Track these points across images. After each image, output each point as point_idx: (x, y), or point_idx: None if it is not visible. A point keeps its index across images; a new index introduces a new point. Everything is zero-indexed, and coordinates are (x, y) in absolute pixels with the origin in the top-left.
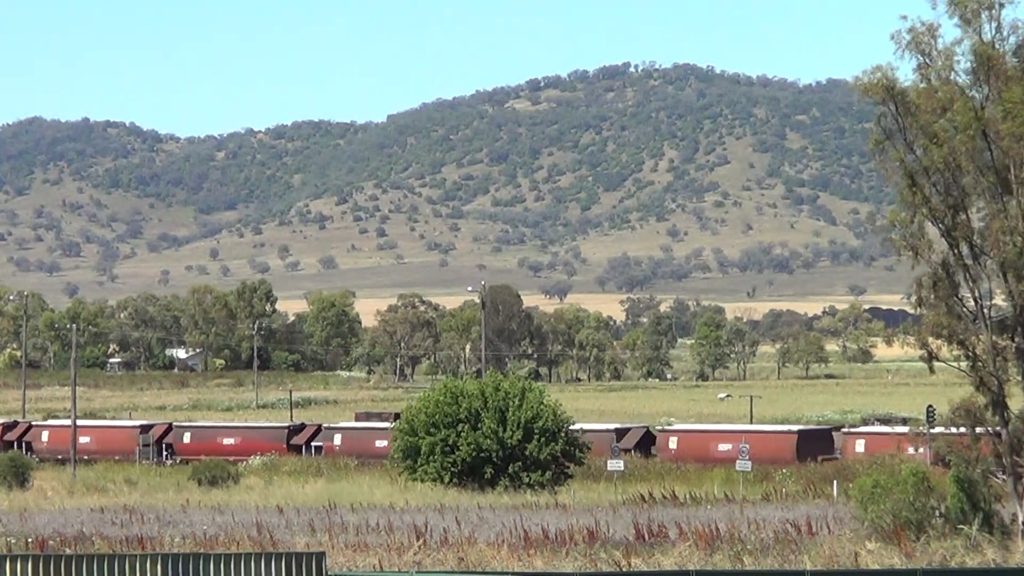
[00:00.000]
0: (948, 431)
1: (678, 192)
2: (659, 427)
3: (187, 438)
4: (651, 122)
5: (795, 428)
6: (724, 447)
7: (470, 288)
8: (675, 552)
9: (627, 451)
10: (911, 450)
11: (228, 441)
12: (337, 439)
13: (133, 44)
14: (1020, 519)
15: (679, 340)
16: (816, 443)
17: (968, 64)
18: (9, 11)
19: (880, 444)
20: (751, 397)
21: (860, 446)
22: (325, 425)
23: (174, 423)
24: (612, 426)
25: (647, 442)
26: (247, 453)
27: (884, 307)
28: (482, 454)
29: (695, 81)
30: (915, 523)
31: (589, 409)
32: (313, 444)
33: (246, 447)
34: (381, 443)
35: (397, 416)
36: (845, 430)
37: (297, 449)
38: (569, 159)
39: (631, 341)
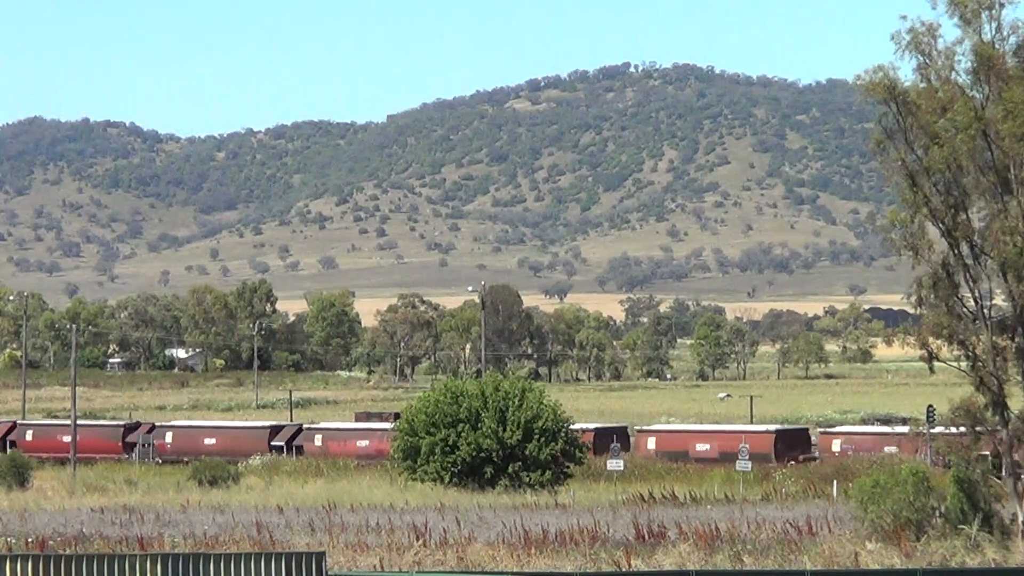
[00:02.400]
0: (948, 431)
1: (678, 192)
2: (638, 427)
3: (169, 438)
4: (651, 122)
5: (773, 428)
6: (702, 447)
7: (470, 288)
8: (675, 552)
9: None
10: (887, 449)
11: (209, 441)
12: (318, 439)
13: (133, 44)
14: (1020, 519)
15: (679, 340)
16: (794, 442)
17: (968, 64)
18: (9, 11)
19: (855, 443)
20: (751, 397)
21: (836, 445)
22: (305, 425)
23: (156, 423)
24: (591, 426)
25: (623, 442)
26: (228, 454)
27: (884, 307)
28: (482, 454)
29: (695, 81)
30: (915, 523)
31: (589, 409)
32: (294, 444)
33: (226, 447)
34: (363, 443)
35: (397, 416)
36: (822, 429)
37: (278, 449)
38: (569, 159)
39: (631, 341)
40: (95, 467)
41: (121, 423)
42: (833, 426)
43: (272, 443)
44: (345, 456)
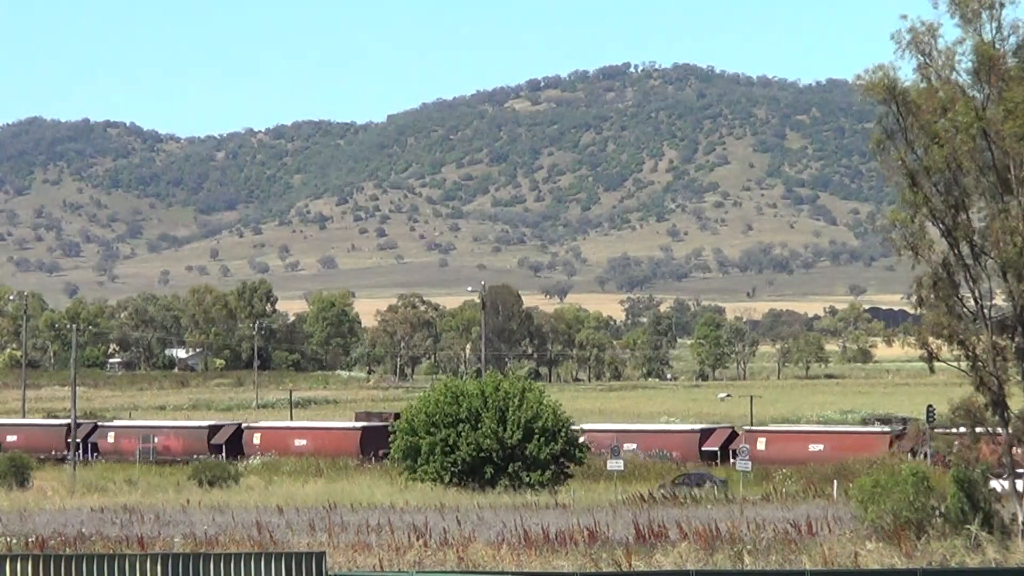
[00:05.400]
0: (948, 431)
1: (678, 192)
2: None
3: (111, 437)
4: (651, 122)
5: (697, 427)
6: (629, 446)
7: (470, 288)
8: (675, 552)
9: None
10: (811, 447)
11: (154, 440)
12: (257, 439)
13: (133, 44)
14: (1020, 519)
15: (679, 340)
16: (726, 442)
17: (969, 64)
18: (9, 11)
19: (782, 441)
20: (751, 397)
21: (761, 444)
22: (244, 425)
23: (98, 423)
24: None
25: None
26: (171, 452)
27: (884, 307)
28: (482, 454)
29: (695, 81)
30: (915, 523)
31: (589, 409)
32: (236, 443)
33: (169, 446)
34: (300, 442)
35: (397, 416)
36: (747, 428)
37: (217, 449)
38: (569, 159)
39: (631, 341)
40: (95, 467)
41: (65, 422)
42: (765, 425)
43: (211, 442)
44: (284, 454)
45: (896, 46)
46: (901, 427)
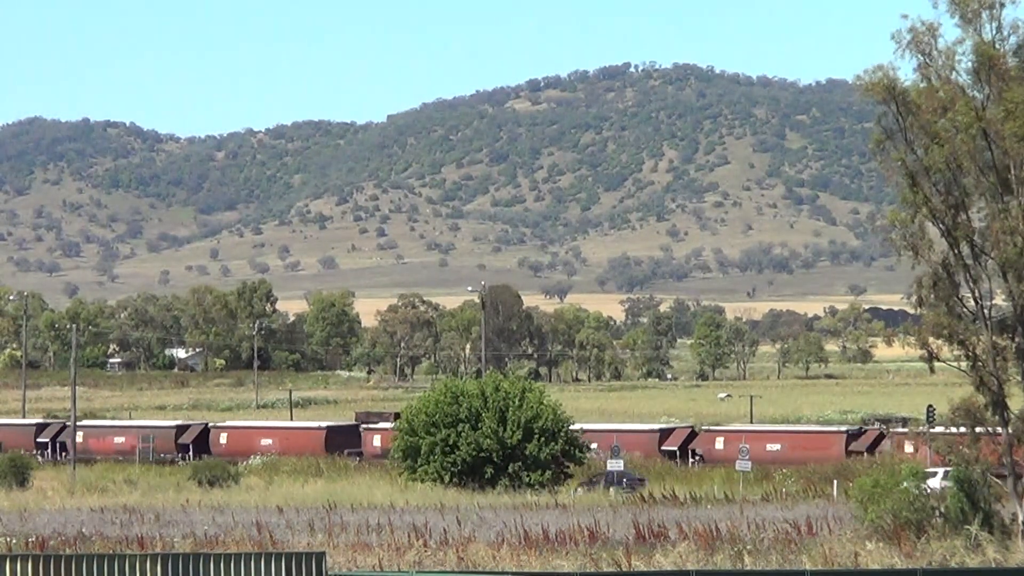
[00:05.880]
0: (948, 431)
1: (678, 192)
2: None
3: (80, 436)
4: (651, 122)
5: (656, 427)
6: (592, 446)
7: (470, 288)
8: (675, 552)
9: None
10: (769, 447)
11: (119, 440)
12: (223, 438)
13: (133, 44)
14: (1020, 519)
15: (679, 340)
16: (680, 441)
17: (969, 64)
18: (9, 11)
19: (738, 441)
20: (751, 397)
21: (720, 444)
22: (211, 425)
23: (66, 423)
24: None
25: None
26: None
27: (884, 307)
28: (482, 454)
29: (695, 81)
30: (915, 523)
31: (589, 409)
32: (203, 443)
33: (135, 446)
34: (266, 441)
35: (397, 416)
36: (705, 427)
37: (184, 448)
38: (569, 159)
39: (631, 341)
40: (95, 467)
41: (35, 422)
42: (721, 424)
43: (178, 442)
44: (251, 454)
45: (896, 46)
46: (858, 427)
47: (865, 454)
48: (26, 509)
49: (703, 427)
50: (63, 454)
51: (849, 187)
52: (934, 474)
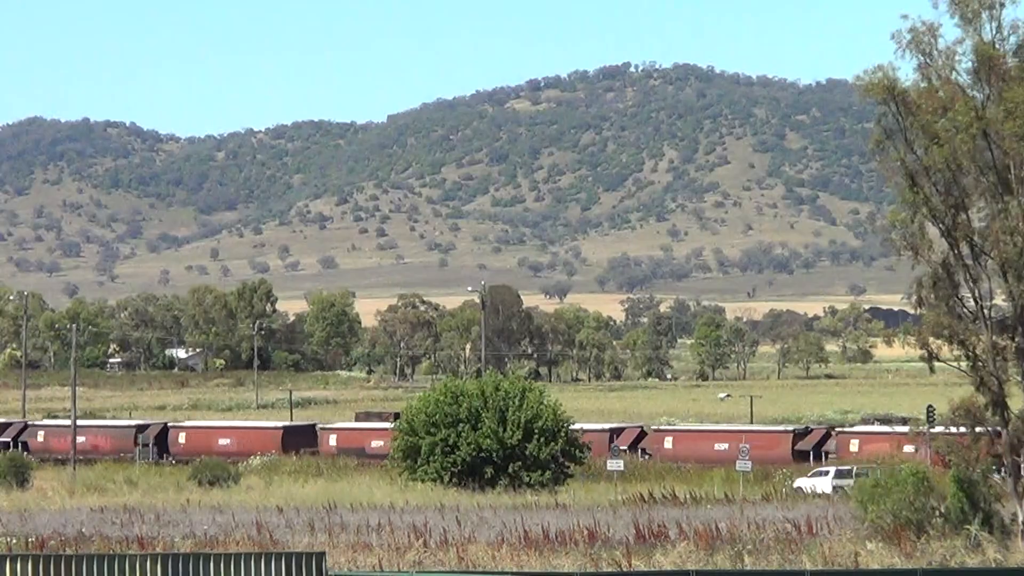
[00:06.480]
0: (948, 431)
1: (678, 192)
2: None
3: (41, 436)
4: (651, 122)
5: (607, 426)
6: None
7: (470, 288)
8: (675, 552)
9: None
10: (717, 446)
11: (80, 440)
12: (182, 438)
13: (133, 44)
14: (1020, 519)
15: (679, 340)
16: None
17: (969, 64)
18: (9, 11)
19: (689, 440)
20: (751, 397)
21: (668, 443)
22: (170, 424)
23: (28, 422)
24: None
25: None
26: (100, 451)
27: (884, 307)
28: (482, 454)
29: (695, 81)
30: (915, 523)
31: (589, 409)
32: (162, 442)
33: (98, 444)
34: (224, 441)
35: (397, 416)
36: (655, 427)
37: (144, 447)
38: (569, 159)
39: (631, 341)
40: (95, 467)
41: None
42: (673, 424)
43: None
44: (208, 454)
45: (896, 46)
46: (805, 427)
47: (811, 453)
48: (26, 509)
49: (652, 427)
50: (25, 454)
51: (849, 187)
52: (825, 472)
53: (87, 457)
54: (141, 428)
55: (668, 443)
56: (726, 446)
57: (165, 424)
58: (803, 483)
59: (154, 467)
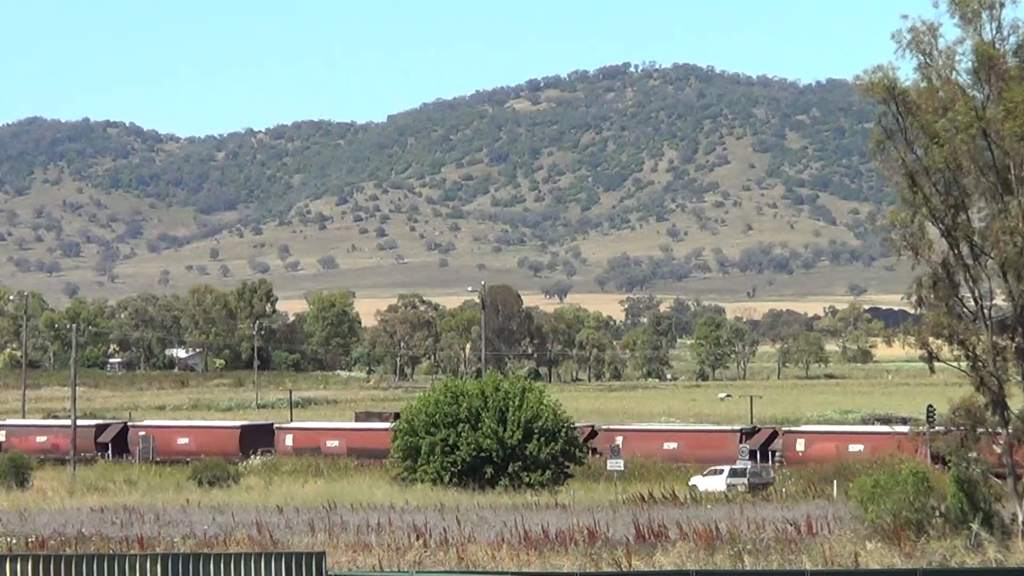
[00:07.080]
0: (948, 431)
1: (678, 192)
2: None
3: (2, 435)
4: (651, 122)
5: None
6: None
7: (470, 288)
8: (675, 552)
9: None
10: (666, 445)
11: (41, 439)
12: (140, 438)
13: (133, 44)
14: (1020, 519)
15: (679, 340)
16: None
17: (969, 64)
18: (9, 11)
19: (638, 440)
20: (751, 397)
21: (619, 441)
22: (130, 424)
23: None
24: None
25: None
26: (60, 451)
27: (884, 307)
28: (482, 454)
29: (695, 81)
30: (915, 523)
31: (589, 409)
32: (122, 442)
33: (59, 444)
34: (183, 440)
35: (397, 416)
36: (606, 427)
37: (104, 447)
38: (569, 159)
39: (631, 341)
40: (95, 467)
41: None
42: (625, 424)
43: (98, 441)
44: (168, 454)
45: (897, 46)
46: (752, 426)
47: (758, 452)
48: (26, 509)
49: (603, 426)
50: None
51: (849, 187)
52: (720, 471)
53: (47, 456)
54: (100, 428)
55: (618, 442)
56: (675, 445)
57: (125, 424)
58: (698, 481)
59: (154, 467)
